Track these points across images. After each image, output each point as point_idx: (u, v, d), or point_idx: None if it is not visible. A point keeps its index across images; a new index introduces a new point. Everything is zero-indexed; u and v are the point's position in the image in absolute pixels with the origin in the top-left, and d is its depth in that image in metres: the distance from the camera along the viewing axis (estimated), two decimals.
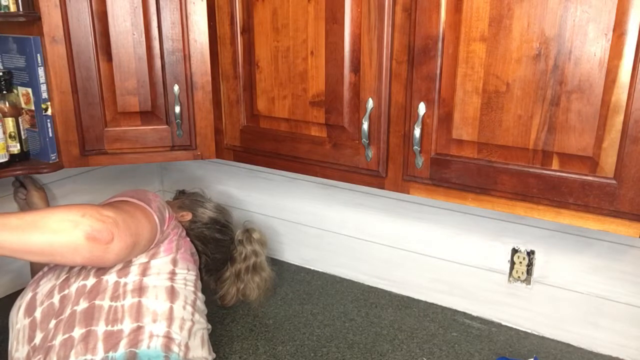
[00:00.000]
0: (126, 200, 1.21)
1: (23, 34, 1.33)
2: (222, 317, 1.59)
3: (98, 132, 1.42)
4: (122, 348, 1.07)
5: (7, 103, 1.34)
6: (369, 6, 1.16)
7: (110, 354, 1.06)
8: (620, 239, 1.36)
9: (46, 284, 1.20)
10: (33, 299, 1.19)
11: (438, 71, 1.12)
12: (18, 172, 1.38)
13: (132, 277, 1.16)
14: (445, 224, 1.59)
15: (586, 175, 1.03)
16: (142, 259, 1.20)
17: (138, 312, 1.13)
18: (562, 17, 0.98)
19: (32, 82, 1.34)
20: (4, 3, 1.28)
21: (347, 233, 1.77)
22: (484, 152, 1.12)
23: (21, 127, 1.37)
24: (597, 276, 1.41)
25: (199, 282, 1.33)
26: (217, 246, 1.53)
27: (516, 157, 1.09)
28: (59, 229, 1.04)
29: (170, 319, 1.15)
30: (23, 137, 1.38)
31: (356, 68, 1.21)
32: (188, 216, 1.49)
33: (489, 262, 1.55)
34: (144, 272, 1.18)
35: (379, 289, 1.74)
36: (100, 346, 1.07)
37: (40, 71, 1.33)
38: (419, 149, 1.17)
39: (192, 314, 1.21)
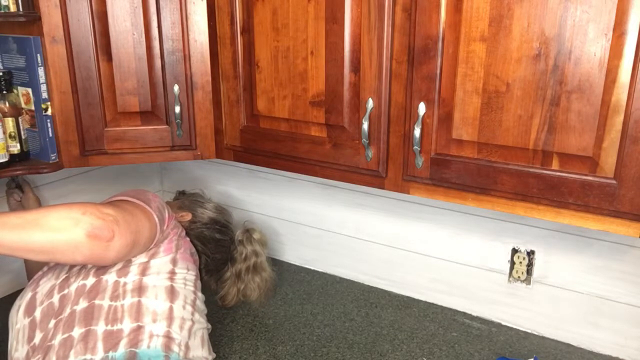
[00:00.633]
0: (126, 200, 1.21)
1: (23, 34, 1.33)
2: (222, 317, 1.59)
3: (98, 132, 1.42)
4: (122, 348, 1.07)
5: (7, 103, 1.34)
6: (369, 6, 1.16)
7: (110, 353, 1.06)
8: (620, 239, 1.36)
9: (46, 284, 1.20)
10: (33, 298, 1.19)
11: (438, 71, 1.11)
12: (18, 172, 1.38)
13: (132, 276, 1.16)
14: (445, 224, 1.59)
15: (586, 175, 1.03)
16: (142, 258, 1.20)
17: (138, 311, 1.13)
18: (562, 17, 0.98)
19: (32, 82, 1.34)
20: (4, 3, 1.28)
21: (347, 233, 1.77)
22: (484, 152, 1.12)
23: (21, 127, 1.37)
24: (597, 276, 1.41)
25: (199, 282, 1.33)
26: (217, 246, 1.53)
27: (516, 157, 1.09)
28: (59, 227, 1.04)
29: (170, 318, 1.15)
30: (23, 137, 1.38)
31: (356, 68, 1.21)
32: (188, 216, 1.49)
33: (489, 262, 1.55)
34: (143, 272, 1.18)
35: (379, 289, 1.74)
36: (100, 346, 1.07)
37: (40, 71, 1.33)
38: (419, 149, 1.17)
39: (192, 314, 1.21)
